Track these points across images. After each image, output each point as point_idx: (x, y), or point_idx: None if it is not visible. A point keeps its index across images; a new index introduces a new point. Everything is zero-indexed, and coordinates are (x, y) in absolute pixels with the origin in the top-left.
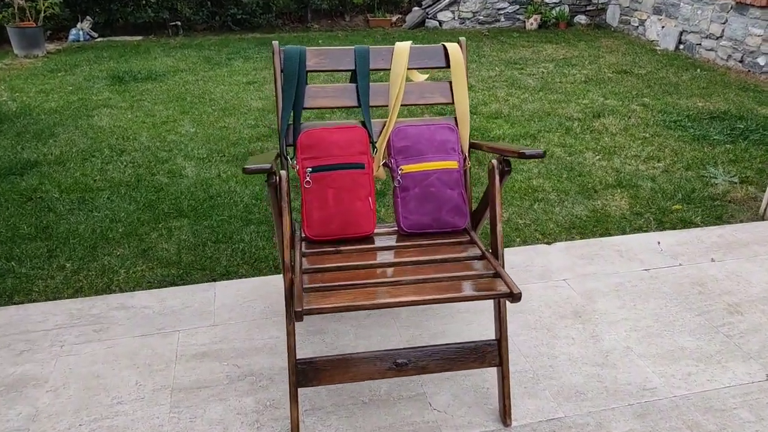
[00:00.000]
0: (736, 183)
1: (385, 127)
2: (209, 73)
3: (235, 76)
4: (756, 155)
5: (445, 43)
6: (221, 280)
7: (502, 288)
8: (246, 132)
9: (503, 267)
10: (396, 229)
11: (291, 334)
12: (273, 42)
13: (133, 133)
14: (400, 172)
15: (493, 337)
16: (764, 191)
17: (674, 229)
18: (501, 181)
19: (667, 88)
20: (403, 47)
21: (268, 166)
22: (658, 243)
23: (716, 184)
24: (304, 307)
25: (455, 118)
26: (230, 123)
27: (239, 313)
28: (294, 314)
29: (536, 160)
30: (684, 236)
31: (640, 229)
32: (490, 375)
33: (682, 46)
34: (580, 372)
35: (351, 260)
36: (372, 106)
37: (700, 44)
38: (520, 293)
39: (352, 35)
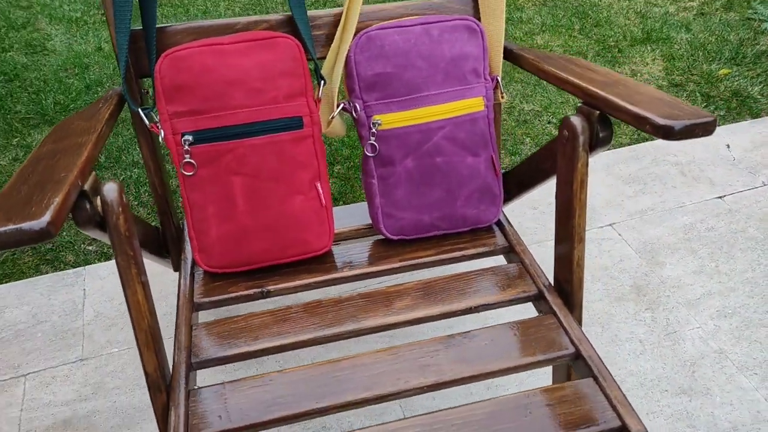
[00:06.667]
0: None
1: (340, 32)
2: None
3: None
4: None
5: None
6: (93, 257)
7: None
8: None
9: (580, 322)
10: (370, 225)
11: None
12: None
13: None
14: (375, 128)
15: None
16: None
17: (728, 106)
18: (587, 157)
19: None
20: None
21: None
22: (727, 146)
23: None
24: None
25: (475, 5)
26: None
27: (125, 329)
28: None
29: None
30: (757, 130)
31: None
32: None
33: None
34: (661, 410)
35: (302, 324)
36: None
37: None
38: None
39: None
